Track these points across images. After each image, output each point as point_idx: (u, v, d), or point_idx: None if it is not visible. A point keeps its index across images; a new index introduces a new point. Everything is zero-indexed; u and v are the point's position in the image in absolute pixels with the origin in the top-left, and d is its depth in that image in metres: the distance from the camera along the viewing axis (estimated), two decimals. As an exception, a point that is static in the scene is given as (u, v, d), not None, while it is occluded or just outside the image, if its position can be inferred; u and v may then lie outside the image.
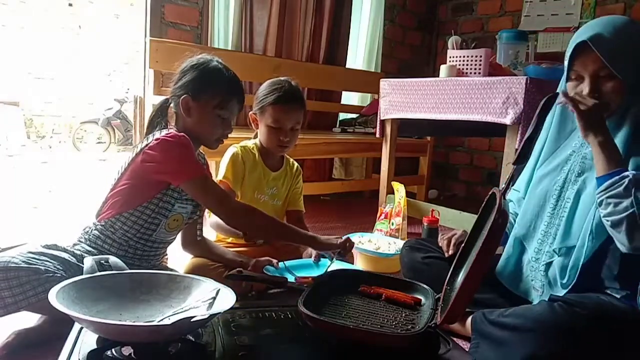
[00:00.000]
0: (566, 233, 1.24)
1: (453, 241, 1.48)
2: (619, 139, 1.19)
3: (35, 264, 1.17)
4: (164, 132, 1.35)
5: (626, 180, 1.07)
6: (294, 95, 1.69)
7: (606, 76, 1.19)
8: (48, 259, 1.21)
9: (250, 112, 1.77)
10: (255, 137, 1.81)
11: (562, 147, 1.35)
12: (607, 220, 1.10)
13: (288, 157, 1.89)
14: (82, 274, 1.08)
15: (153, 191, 1.34)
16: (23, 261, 1.16)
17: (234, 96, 1.40)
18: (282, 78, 1.73)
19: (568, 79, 1.28)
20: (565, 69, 1.27)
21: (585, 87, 1.22)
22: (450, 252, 1.47)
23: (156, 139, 1.31)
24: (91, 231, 1.39)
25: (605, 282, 1.19)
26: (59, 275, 1.17)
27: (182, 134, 1.34)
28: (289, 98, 1.68)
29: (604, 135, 1.14)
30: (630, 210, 1.05)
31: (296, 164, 1.90)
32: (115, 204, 1.36)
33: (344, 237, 1.42)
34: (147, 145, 1.33)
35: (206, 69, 1.39)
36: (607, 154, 1.12)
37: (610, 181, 1.09)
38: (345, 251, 1.43)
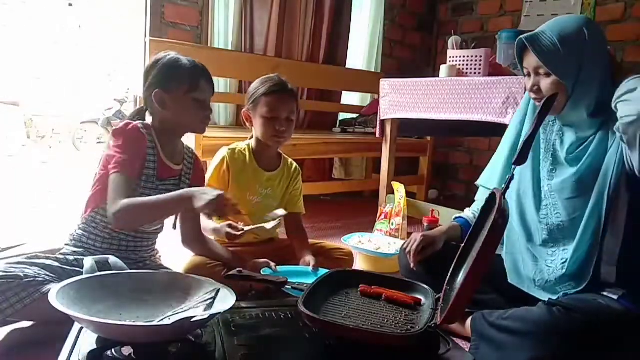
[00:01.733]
0: (561, 229, 1.26)
1: (413, 252, 1.47)
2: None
3: (13, 272, 1.17)
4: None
5: None
6: (285, 86, 1.72)
7: (545, 74, 1.23)
8: (26, 267, 1.22)
9: (243, 110, 1.77)
10: (252, 138, 1.81)
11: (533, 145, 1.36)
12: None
13: (286, 157, 1.88)
14: (68, 275, 1.08)
15: None
16: (0, 271, 1.17)
17: (201, 76, 1.42)
18: (270, 74, 1.76)
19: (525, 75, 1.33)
20: (519, 66, 1.32)
21: (528, 83, 1.28)
22: (416, 262, 1.47)
23: (113, 130, 1.36)
24: (75, 231, 1.41)
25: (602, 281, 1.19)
26: (40, 279, 1.18)
27: (134, 124, 1.36)
28: (281, 88, 1.71)
29: None
30: None
31: (295, 165, 1.89)
32: (94, 196, 1.38)
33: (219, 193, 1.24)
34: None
35: (165, 60, 1.41)
36: None
37: None
38: (217, 206, 1.23)
